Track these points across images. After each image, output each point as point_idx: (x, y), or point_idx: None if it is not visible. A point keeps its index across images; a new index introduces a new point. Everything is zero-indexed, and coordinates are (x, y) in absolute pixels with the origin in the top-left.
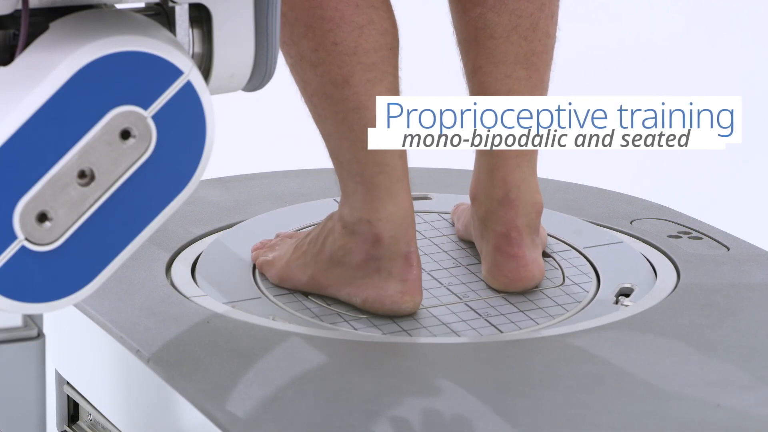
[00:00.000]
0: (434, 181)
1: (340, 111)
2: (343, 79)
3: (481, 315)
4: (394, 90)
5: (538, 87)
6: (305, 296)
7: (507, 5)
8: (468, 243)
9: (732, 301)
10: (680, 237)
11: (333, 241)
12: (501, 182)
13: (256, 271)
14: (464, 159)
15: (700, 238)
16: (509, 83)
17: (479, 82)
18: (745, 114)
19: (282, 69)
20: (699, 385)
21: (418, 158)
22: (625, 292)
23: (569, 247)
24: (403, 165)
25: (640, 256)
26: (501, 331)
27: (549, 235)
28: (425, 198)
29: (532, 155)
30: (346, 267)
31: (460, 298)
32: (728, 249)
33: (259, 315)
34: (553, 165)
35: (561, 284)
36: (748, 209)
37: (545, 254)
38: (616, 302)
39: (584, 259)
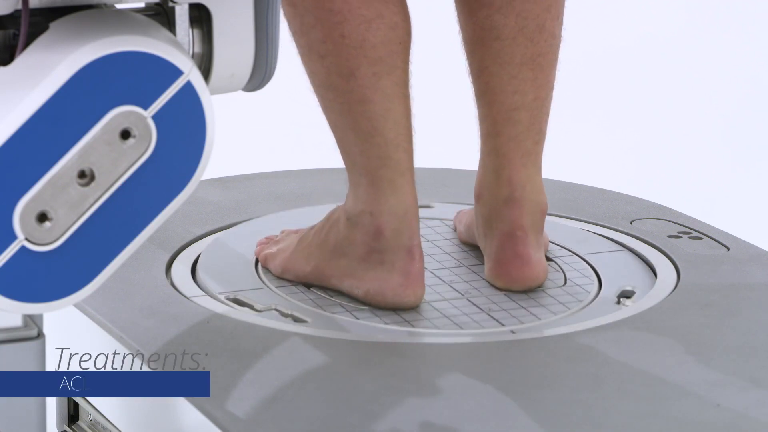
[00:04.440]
0: (434, 181)
1: (345, 103)
2: (349, 71)
3: (483, 310)
4: (402, 84)
5: (544, 87)
6: (307, 288)
7: (514, 7)
8: (470, 246)
9: (732, 301)
10: (680, 237)
11: (337, 231)
12: (507, 182)
13: (259, 266)
14: (464, 159)
15: (700, 238)
16: (515, 84)
17: (485, 83)
18: (745, 114)
19: (282, 69)
20: (699, 385)
21: (418, 158)
22: (627, 294)
23: (571, 253)
24: (408, 159)
25: (641, 262)
26: (503, 325)
27: (551, 242)
28: (427, 207)
29: (537, 155)
30: (350, 258)
31: (462, 294)
32: (728, 249)
33: (260, 304)
34: (553, 165)
35: (563, 285)
36: (748, 209)
37: (547, 258)
38: (618, 302)
39: (586, 264)
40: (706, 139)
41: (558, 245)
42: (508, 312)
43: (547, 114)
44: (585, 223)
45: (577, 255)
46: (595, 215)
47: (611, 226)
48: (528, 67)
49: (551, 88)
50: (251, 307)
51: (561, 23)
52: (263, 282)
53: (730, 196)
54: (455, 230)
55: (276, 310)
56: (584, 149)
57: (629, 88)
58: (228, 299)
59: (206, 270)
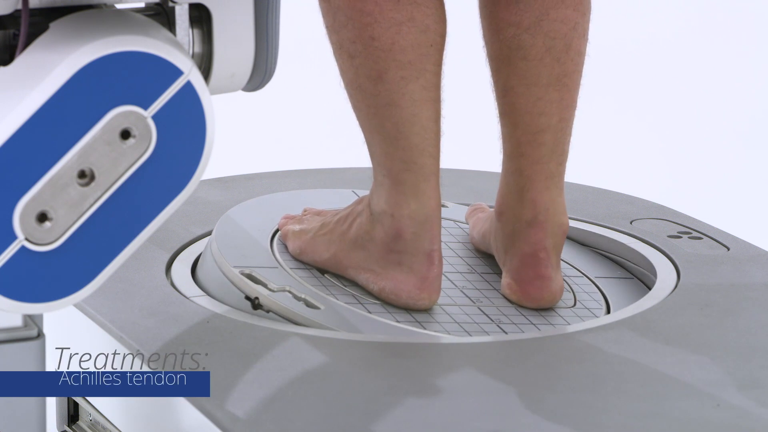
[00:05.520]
0: None
1: (372, 105)
2: (377, 74)
3: (492, 320)
4: (432, 88)
5: (569, 107)
6: (321, 274)
7: (542, 27)
8: (482, 252)
9: (732, 301)
10: (680, 237)
11: (360, 225)
12: (530, 204)
13: (274, 242)
14: (464, 159)
15: (700, 238)
16: (540, 105)
17: (510, 103)
18: (745, 114)
19: (282, 69)
20: (699, 385)
21: None
22: None
23: (581, 274)
24: (432, 164)
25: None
26: (507, 336)
27: (561, 260)
28: (442, 206)
29: (560, 177)
30: (369, 253)
31: (474, 302)
32: (728, 249)
33: (275, 283)
34: None
35: (573, 306)
36: (748, 209)
37: None
38: None
39: (595, 287)
40: (706, 139)
41: (567, 263)
42: (517, 326)
43: (570, 134)
44: (585, 223)
45: (587, 277)
46: (595, 215)
47: (611, 226)
48: (554, 87)
49: (575, 107)
50: (265, 285)
51: (587, 40)
52: (278, 261)
53: (730, 196)
54: (466, 223)
55: (289, 291)
56: (584, 149)
57: (629, 88)
58: (243, 274)
59: (222, 242)
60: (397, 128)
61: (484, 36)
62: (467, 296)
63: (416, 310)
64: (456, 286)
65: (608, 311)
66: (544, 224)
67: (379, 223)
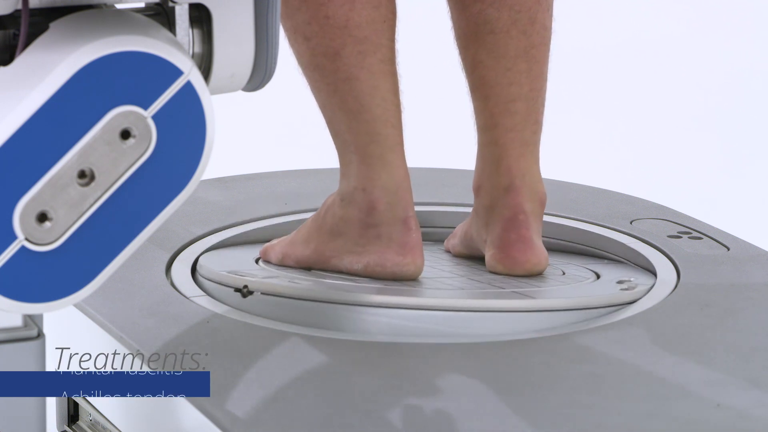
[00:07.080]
0: (434, 181)
1: (332, 82)
2: (335, 51)
3: (483, 282)
4: (388, 62)
5: (538, 78)
6: (307, 271)
7: (506, 1)
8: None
9: (732, 301)
10: (680, 237)
11: (333, 214)
12: (506, 171)
13: (259, 262)
14: (464, 159)
15: (700, 238)
16: (510, 76)
17: (480, 77)
18: (745, 114)
19: (282, 69)
20: (699, 385)
21: (417, 158)
22: (625, 281)
23: (567, 262)
24: (396, 134)
25: (637, 268)
26: (503, 288)
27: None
28: None
29: (535, 146)
30: (347, 236)
31: (462, 275)
32: (728, 249)
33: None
34: (553, 165)
35: (562, 275)
36: (748, 209)
37: None
38: (619, 282)
39: (583, 268)
40: (706, 139)
41: (553, 259)
42: (509, 283)
43: (542, 105)
44: (585, 223)
45: (573, 264)
46: (595, 215)
47: (611, 226)
48: (522, 59)
49: (545, 80)
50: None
51: (551, 16)
52: (263, 267)
53: (730, 196)
54: (447, 251)
55: (277, 279)
56: (584, 149)
57: (629, 87)
58: (229, 272)
59: (208, 258)
60: (359, 101)
61: (452, 16)
62: (456, 273)
63: (404, 279)
64: (444, 270)
65: (598, 278)
66: (521, 189)
67: (351, 202)
